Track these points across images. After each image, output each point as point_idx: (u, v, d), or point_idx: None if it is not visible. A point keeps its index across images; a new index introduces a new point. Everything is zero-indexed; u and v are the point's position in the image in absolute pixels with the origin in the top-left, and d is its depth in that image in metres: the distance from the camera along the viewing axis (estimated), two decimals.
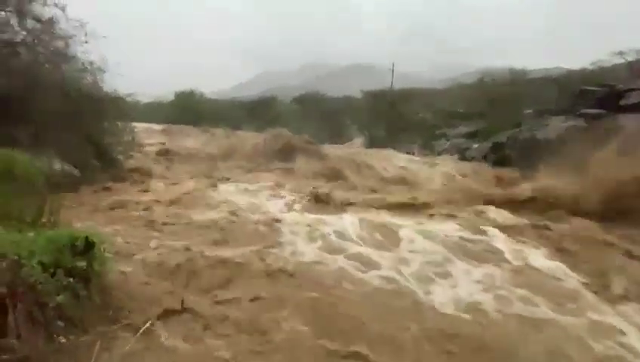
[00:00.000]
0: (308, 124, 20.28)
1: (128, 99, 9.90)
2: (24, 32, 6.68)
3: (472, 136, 15.65)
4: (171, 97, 27.17)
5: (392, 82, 33.83)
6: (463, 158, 13.95)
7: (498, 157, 12.75)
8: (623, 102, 11.85)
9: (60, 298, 1.82)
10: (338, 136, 23.19)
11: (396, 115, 21.42)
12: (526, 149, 11.18)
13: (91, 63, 7.44)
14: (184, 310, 2.68)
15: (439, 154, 15.60)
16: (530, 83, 19.02)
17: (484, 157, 13.01)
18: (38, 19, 6.65)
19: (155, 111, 24.35)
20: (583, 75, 17.31)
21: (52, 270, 1.88)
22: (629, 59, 17.10)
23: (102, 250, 2.24)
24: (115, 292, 2.35)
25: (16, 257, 1.75)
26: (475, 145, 14.53)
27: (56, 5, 6.65)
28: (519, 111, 15.20)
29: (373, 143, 19.99)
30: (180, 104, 25.62)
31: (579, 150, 8.14)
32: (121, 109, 9.07)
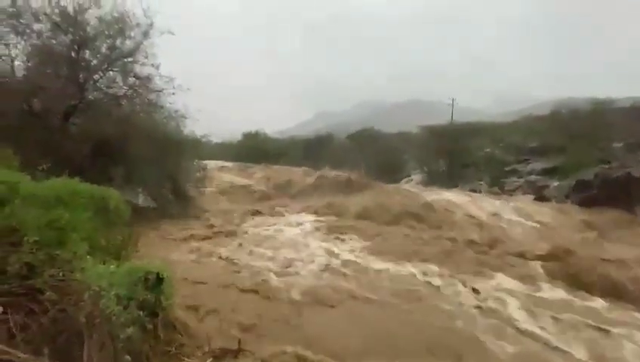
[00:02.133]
0: (363, 162, 20.20)
1: (203, 139, 10.99)
2: (125, 87, 7.95)
3: (549, 172, 14.10)
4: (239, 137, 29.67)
5: (452, 115, 32.77)
6: (541, 198, 12.50)
7: (585, 197, 11.19)
8: None
9: (129, 330, 1.90)
10: (394, 172, 22.61)
11: (458, 150, 20.36)
12: (619, 187, 9.71)
13: (176, 111, 8.49)
14: (239, 351, 2.64)
15: (511, 193, 14.23)
16: (613, 113, 16.89)
17: (566, 197, 11.53)
18: (137, 77, 7.88)
19: (225, 150, 26.68)
20: None
21: (125, 302, 1.99)
22: None
23: (170, 285, 2.33)
24: (177, 328, 2.41)
25: (97, 288, 1.88)
26: (555, 183, 13.02)
27: (152, 65, 7.86)
28: (604, 146, 13.45)
29: (432, 181, 19.05)
30: (246, 143, 27.80)
31: None
32: (197, 149, 10.09)
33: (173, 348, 2.22)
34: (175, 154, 8.79)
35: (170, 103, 8.32)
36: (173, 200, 8.80)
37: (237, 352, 2.65)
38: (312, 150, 26.83)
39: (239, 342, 2.70)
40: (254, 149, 25.59)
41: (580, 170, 12.32)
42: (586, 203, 10.64)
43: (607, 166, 11.55)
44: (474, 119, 27.45)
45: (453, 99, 34.28)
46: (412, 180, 21.78)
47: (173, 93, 8.10)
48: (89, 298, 1.79)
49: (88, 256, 2.19)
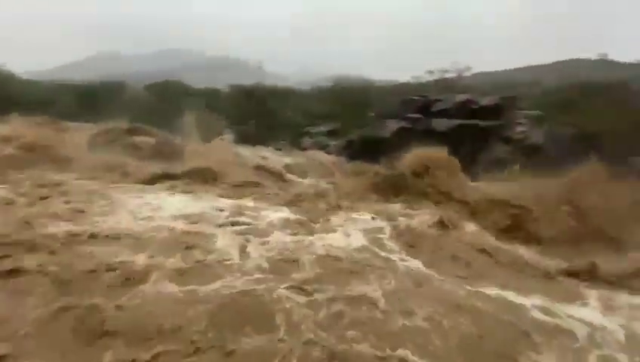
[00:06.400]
0: (165, 117, 18.28)
1: None
2: None
3: (330, 134, 17.66)
4: None
5: (260, 80, 34.33)
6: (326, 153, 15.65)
7: (352, 152, 14.87)
8: (433, 109, 15.62)
9: None
10: (206, 131, 21.96)
11: (266, 112, 22.00)
12: (370, 145, 13.41)
13: None
14: None
15: (304, 150, 16.97)
16: (374, 91, 22.85)
17: (342, 153, 14.93)
18: None
19: None
20: (410, 86, 21.89)
21: None
22: (436, 77, 22.64)
23: None
24: None
25: None
26: (335, 143, 16.48)
27: None
28: (366, 115, 18.05)
29: (243, 140, 19.98)
30: None
31: (405, 144, 10.63)
32: None
33: None
34: None
35: None
36: None
37: None
38: (94, 100, 21.48)
39: None
40: None
41: (349, 133, 16.08)
42: (353, 156, 14.21)
43: (364, 129, 15.59)
44: (281, 85, 29.92)
45: (261, 61, 35.69)
46: (224, 139, 21.95)
47: None
48: None
49: None
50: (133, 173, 7.39)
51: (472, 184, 8.25)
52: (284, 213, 5.68)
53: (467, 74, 24.64)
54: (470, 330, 2.90)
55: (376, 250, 4.51)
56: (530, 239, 5.77)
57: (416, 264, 4.21)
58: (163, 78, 27.96)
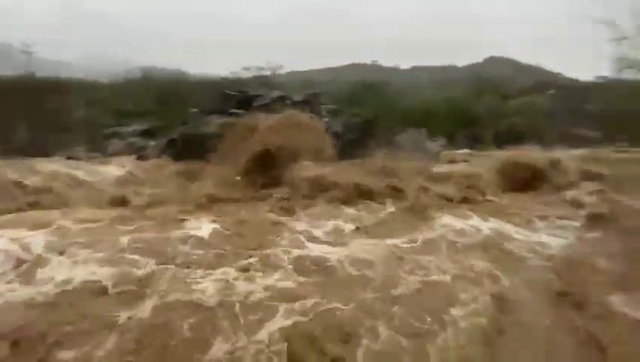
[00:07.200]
0: None
1: None
2: None
3: (146, 134, 15.65)
4: None
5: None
6: (142, 157, 13.74)
7: (174, 153, 13.71)
8: (255, 104, 16.32)
9: None
10: None
11: (44, 111, 17.04)
12: (194, 143, 12.80)
13: None
14: None
15: (113, 155, 14.39)
16: (192, 85, 21.63)
17: (162, 154, 13.56)
18: None
19: None
20: (229, 82, 21.99)
21: None
22: (254, 73, 23.74)
23: None
24: None
25: None
26: (152, 143, 14.73)
27: None
28: (185, 111, 16.99)
29: (8, 152, 14.80)
30: None
31: (229, 141, 10.77)
32: None
33: None
34: None
35: None
36: None
37: None
38: None
39: None
40: None
41: (169, 131, 14.74)
42: (176, 157, 13.13)
43: (187, 126, 14.64)
44: (62, 74, 23.74)
45: (28, 45, 27.02)
46: None
47: None
48: None
49: None
50: None
51: None
52: None
53: (281, 72, 27.05)
54: None
55: None
56: None
57: None
58: None
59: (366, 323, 3.05)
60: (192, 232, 5.02)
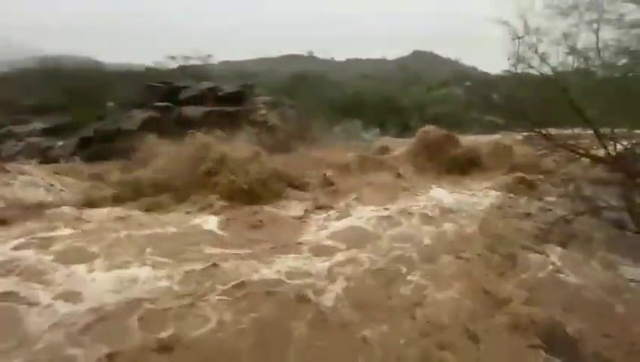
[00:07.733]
0: None
1: None
2: None
3: (52, 132, 13.60)
4: None
5: None
6: (48, 160, 11.90)
7: (90, 152, 12.16)
8: (181, 97, 15.19)
9: None
10: None
11: None
12: (112, 141, 11.53)
13: None
14: None
15: (12, 158, 12.24)
16: (108, 76, 19.24)
17: (73, 155, 11.95)
18: None
19: None
20: (153, 72, 20.12)
21: None
22: (180, 63, 22.06)
23: None
24: None
25: None
26: (60, 143, 12.88)
27: None
28: (101, 104, 15.15)
29: None
30: None
31: (156, 136, 9.77)
32: None
33: None
34: None
35: None
36: None
37: None
38: None
39: None
40: None
41: (81, 128, 13.02)
42: (92, 158, 11.67)
43: (102, 122, 13.06)
44: None
45: None
46: None
47: None
48: None
49: None
50: None
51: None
52: None
53: (212, 62, 25.49)
54: None
55: None
56: None
57: None
58: None
59: None
60: None
